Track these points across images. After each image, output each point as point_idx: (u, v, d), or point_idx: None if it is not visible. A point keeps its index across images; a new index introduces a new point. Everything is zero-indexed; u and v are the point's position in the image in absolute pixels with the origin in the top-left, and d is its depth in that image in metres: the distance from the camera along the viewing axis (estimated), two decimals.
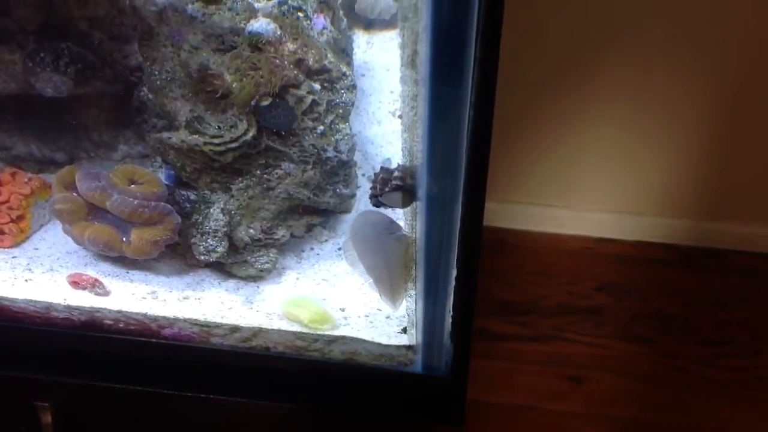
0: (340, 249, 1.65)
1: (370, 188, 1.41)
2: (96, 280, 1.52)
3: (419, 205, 1.28)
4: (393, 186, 1.36)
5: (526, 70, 2.25)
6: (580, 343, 2.34)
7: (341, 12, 1.63)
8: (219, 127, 1.44)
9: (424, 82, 1.10)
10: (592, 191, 2.49)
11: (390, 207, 1.42)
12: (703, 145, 2.34)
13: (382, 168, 1.38)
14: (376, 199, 1.39)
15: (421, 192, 1.25)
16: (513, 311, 2.41)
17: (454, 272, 1.40)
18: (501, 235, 2.58)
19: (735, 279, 2.46)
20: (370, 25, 1.85)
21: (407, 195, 1.36)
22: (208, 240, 1.50)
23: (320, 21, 1.54)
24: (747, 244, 2.49)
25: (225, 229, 1.51)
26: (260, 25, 1.42)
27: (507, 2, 1.09)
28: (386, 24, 1.85)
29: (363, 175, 1.69)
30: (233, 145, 1.45)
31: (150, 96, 1.47)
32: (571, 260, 2.52)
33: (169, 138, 1.45)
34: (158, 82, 1.45)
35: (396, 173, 1.36)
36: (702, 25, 2.10)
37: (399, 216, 1.48)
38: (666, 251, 2.53)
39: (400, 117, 1.48)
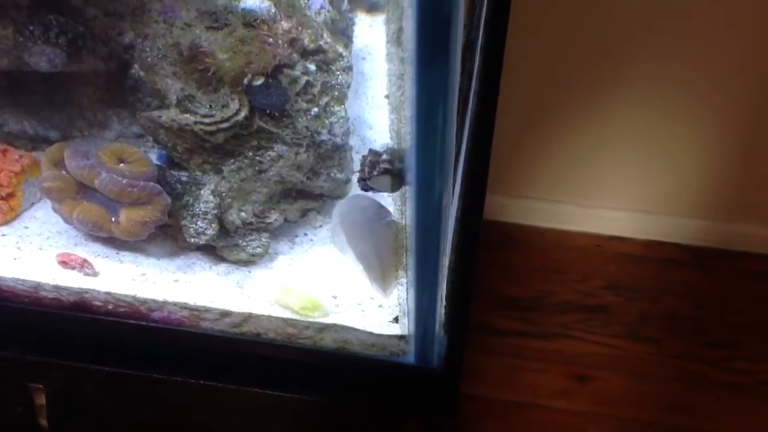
0: None
1: (358, 171, 1.39)
2: (85, 260, 1.51)
3: (408, 189, 1.25)
4: (381, 169, 1.34)
5: (541, 65, 2.23)
6: (586, 341, 2.32)
7: None
8: (210, 107, 1.42)
9: (411, 61, 1.07)
10: (604, 188, 2.46)
11: (378, 191, 1.40)
12: (718, 146, 2.31)
13: (370, 150, 1.36)
14: (364, 183, 1.37)
15: (410, 176, 1.23)
16: (519, 307, 2.39)
17: (446, 260, 1.38)
18: (509, 231, 2.56)
19: (746, 281, 2.43)
20: (372, 7, 1.82)
21: (396, 179, 1.34)
22: (198, 222, 1.49)
23: (318, 0, 1.53)
24: (759, 246, 2.46)
25: (215, 212, 1.49)
26: (254, 2, 1.40)
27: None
28: None
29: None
30: (225, 125, 1.43)
31: (141, 74, 1.45)
32: (581, 257, 2.50)
33: (159, 117, 1.44)
34: (149, 60, 1.43)
35: (384, 156, 1.34)
36: (724, 29, 2.08)
37: (389, 202, 1.46)
38: (677, 251, 2.51)
39: (387, 97, 1.46)
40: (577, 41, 2.17)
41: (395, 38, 1.17)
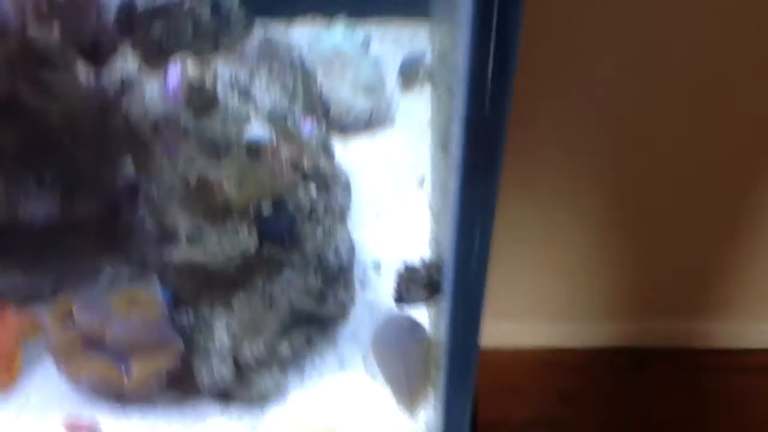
0: (341, 361, 1.57)
1: (394, 289, 1.36)
2: (94, 422, 1.41)
3: (444, 301, 1.23)
4: (418, 284, 1.31)
5: None
6: None
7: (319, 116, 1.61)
8: (220, 240, 1.38)
9: (456, 170, 1.06)
10: (543, 302, 2.48)
11: (413, 305, 1.37)
12: (646, 247, 2.37)
13: (406, 267, 1.34)
14: (400, 301, 1.34)
15: (447, 286, 1.20)
16: (478, 430, 2.36)
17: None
18: None
19: (689, 376, 2.49)
20: (344, 129, 1.83)
21: (432, 291, 1.32)
22: (214, 364, 1.41)
23: (308, 126, 1.52)
24: (698, 341, 2.52)
25: (231, 351, 1.42)
26: (257, 133, 1.39)
27: None
28: (361, 128, 1.83)
29: None
30: (235, 257, 1.38)
31: (146, 212, 1.40)
32: (531, 373, 2.51)
33: (169, 254, 1.38)
34: (155, 197, 1.38)
35: (422, 271, 1.32)
36: (608, 136, 2.13)
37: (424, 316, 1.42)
38: (622, 354, 2.54)
39: (430, 208, 1.44)
40: None
41: (443, 145, 1.16)
